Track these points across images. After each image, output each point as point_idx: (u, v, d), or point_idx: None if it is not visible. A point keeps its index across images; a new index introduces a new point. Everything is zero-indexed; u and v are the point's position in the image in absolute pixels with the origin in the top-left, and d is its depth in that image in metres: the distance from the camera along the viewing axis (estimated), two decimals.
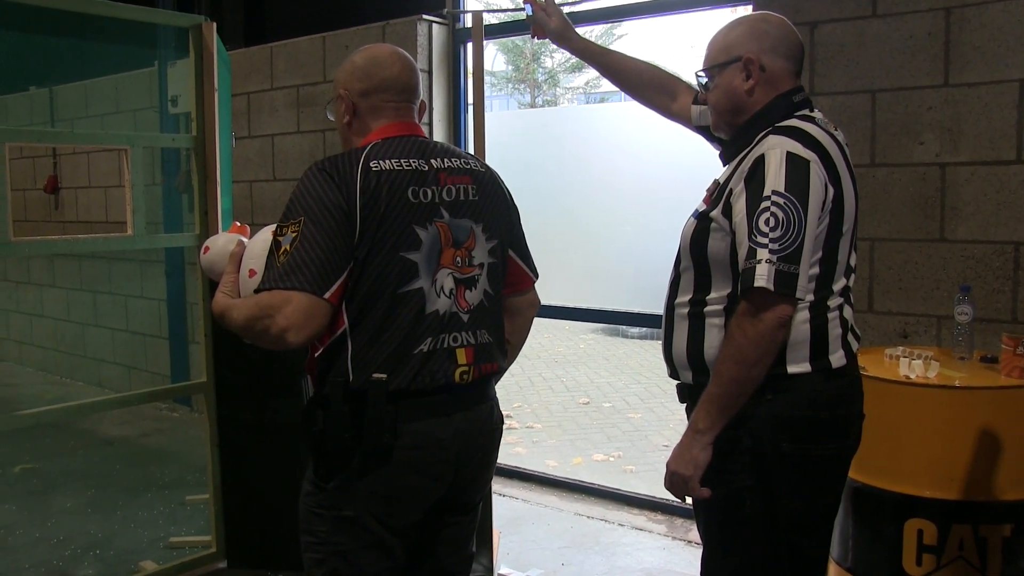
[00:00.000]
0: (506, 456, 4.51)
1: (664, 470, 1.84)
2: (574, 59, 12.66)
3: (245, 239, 2.00)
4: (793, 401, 1.79)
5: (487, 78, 4.73)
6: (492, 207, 1.95)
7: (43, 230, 6.70)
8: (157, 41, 5.65)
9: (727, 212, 1.79)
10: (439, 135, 4.45)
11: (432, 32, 4.44)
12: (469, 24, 4.54)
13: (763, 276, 1.66)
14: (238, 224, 2.15)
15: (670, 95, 2.30)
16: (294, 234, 1.70)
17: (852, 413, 1.89)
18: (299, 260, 1.69)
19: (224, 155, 3.45)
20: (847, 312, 1.87)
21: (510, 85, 15.66)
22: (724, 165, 1.99)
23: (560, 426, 6.10)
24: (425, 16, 4.41)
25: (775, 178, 1.71)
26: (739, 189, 1.78)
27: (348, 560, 1.82)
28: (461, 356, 1.84)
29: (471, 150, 4.42)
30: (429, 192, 1.82)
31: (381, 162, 1.79)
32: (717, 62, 1.92)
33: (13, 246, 2.91)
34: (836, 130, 1.90)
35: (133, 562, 3.54)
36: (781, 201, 1.69)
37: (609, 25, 15.17)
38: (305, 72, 4.80)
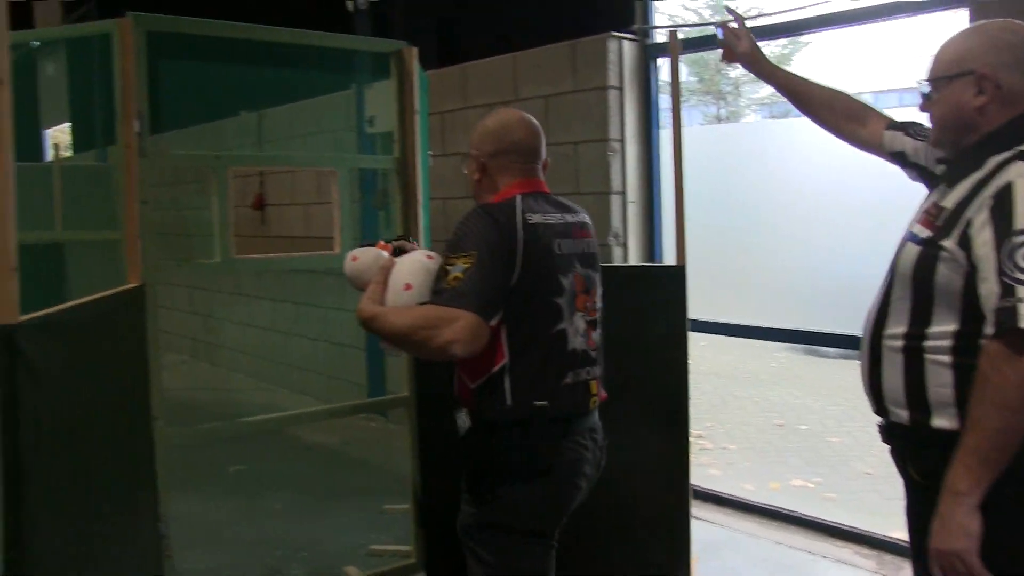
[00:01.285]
0: (701, 478, 4.42)
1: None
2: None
3: (386, 254, 2.26)
4: None
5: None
6: (598, 259, 2.29)
7: (252, 244, 7.15)
8: (354, 65, 5.93)
9: (964, 244, 1.67)
10: (631, 154, 4.43)
11: (622, 49, 4.43)
12: (660, 40, 4.51)
13: None
14: (383, 242, 2.39)
15: (860, 122, 2.24)
16: (467, 264, 1.97)
17: None
18: (471, 287, 1.95)
19: (423, 174, 3.56)
20: None
21: (694, 97, 15.41)
22: (935, 187, 1.92)
23: (755, 448, 5.93)
24: (615, 33, 4.41)
25: None
26: (982, 220, 1.65)
27: (515, 562, 2.12)
28: (593, 387, 2.19)
29: (666, 169, 4.40)
30: (566, 244, 2.14)
31: (533, 215, 2.09)
32: (945, 73, 1.81)
33: (235, 262, 3.12)
34: None
35: (338, 567, 3.69)
36: None
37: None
38: (497, 91, 4.89)
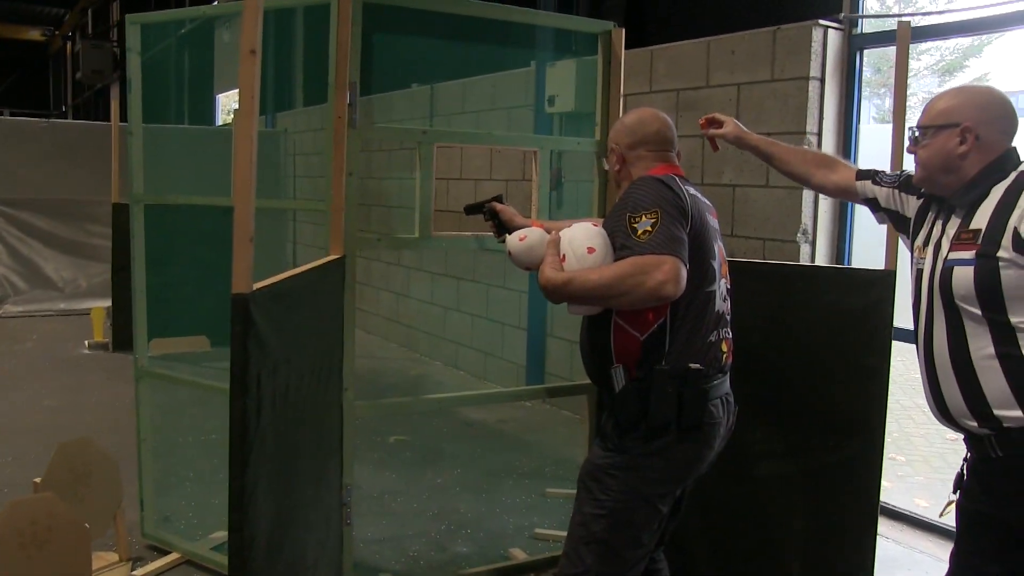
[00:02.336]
0: None
1: None
2: (944, 61, 11.68)
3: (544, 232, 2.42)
4: None
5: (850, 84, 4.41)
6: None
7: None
8: (536, 42, 5.87)
9: (1020, 246, 1.92)
10: (828, 146, 4.22)
11: (827, 38, 4.21)
12: (867, 29, 4.26)
13: None
14: (535, 221, 2.68)
15: (831, 169, 2.55)
16: (653, 219, 2.13)
17: None
18: (664, 236, 2.11)
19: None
20: None
21: (867, 89, 14.71)
22: (923, 222, 2.20)
23: (927, 462, 5.62)
24: (821, 21, 4.19)
25: None
26: None
27: (628, 514, 2.25)
28: (724, 345, 2.35)
29: (877, 164, 4.17)
30: (711, 219, 2.35)
31: (688, 187, 2.31)
32: (934, 123, 2.09)
33: (432, 239, 3.12)
34: None
35: (503, 547, 3.68)
36: None
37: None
38: (687, 76, 4.74)
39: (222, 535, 3.73)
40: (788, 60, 4.24)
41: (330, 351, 2.77)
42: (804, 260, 4.22)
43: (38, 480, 3.25)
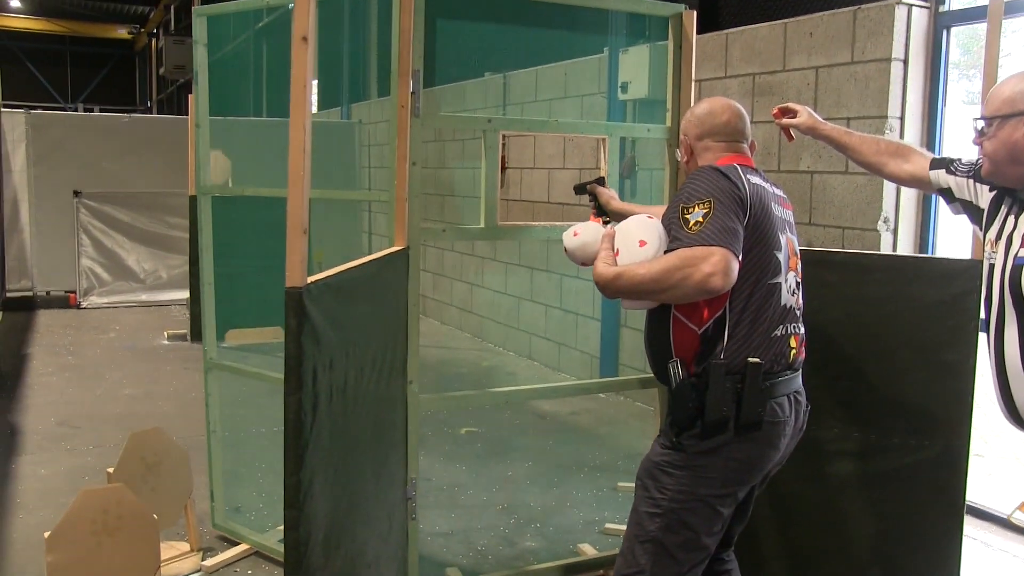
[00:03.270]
0: None
1: None
2: None
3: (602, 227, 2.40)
4: None
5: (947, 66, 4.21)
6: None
7: None
8: (608, 28, 5.76)
9: None
10: (910, 133, 4.03)
11: (911, 16, 4.01)
12: (955, 6, 4.05)
13: None
14: (594, 215, 2.72)
15: (904, 158, 2.47)
16: (705, 210, 2.07)
17: None
18: (715, 227, 2.04)
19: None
20: None
21: (957, 71, 14.15)
22: (997, 216, 2.09)
23: (1013, 460, 5.36)
24: None
25: None
26: None
27: (683, 515, 2.16)
28: (793, 341, 2.25)
29: (950, 151, 3.98)
30: (777, 209, 2.26)
31: (751, 177, 2.22)
32: (998, 113, 1.99)
33: (498, 229, 3.05)
34: None
35: (572, 542, 3.62)
36: None
37: None
38: (763, 60, 4.59)
39: None
40: (869, 41, 4.06)
41: (393, 343, 2.73)
42: (886, 249, 4.05)
43: (111, 470, 3.30)
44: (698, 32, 5.02)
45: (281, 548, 3.49)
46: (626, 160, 5.35)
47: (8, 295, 8.95)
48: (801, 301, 2.35)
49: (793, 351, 2.25)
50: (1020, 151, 1.96)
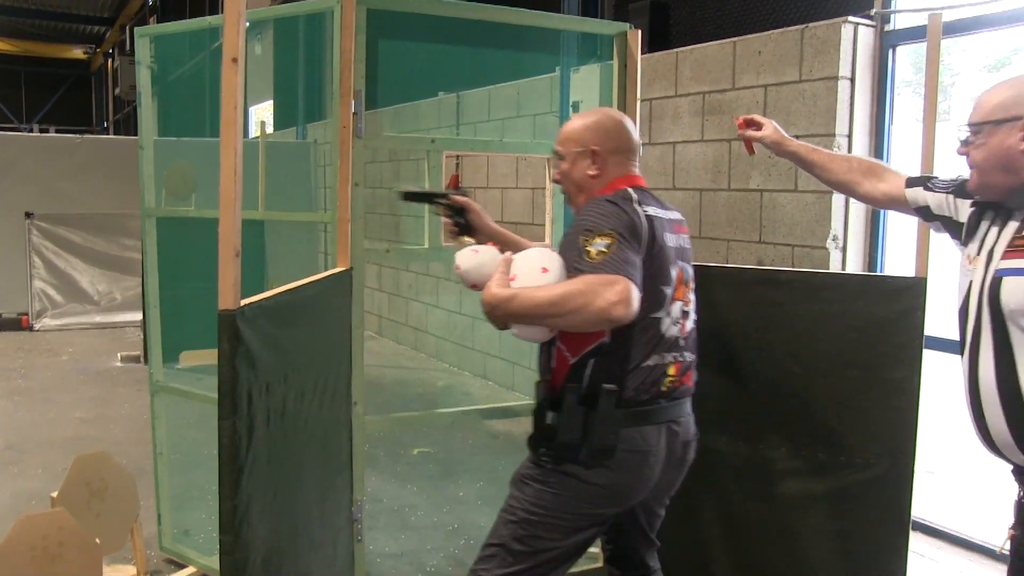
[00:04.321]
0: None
1: None
2: (992, 59, 11.41)
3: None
4: None
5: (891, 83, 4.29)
6: (691, 255, 2.34)
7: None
8: (560, 48, 5.80)
9: None
10: (858, 150, 4.09)
11: (857, 35, 4.08)
12: (899, 26, 4.13)
13: None
14: (455, 233, 2.58)
15: (879, 178, 2.36)
16: (608, 240, 2.00)
17: None
18: (620, 258, 1.98)
19: None
20: None
21: (909, 88, 14.42)
22: (978, 229, 2.00)
23: (962, 477, 5.43)
24: (851, 18, 4.07)
25: None
26: None
27: (535, 527, 2.15)
28: (672, 370, 2.18)
29: (903, 166, 4.04)
30: (670, 238, 2.20)
31: (647, 207, 2.15)
32: (990, 119, 1.89)
33: (442, 250, 3.05)
34: None
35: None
36: None
37: None
38: (713, 78, 4.64)
39: None
40: (817, 60, 4.13)
41: (337, 365, 2.71)
42: (835, 267, 4.09)
43: (54, 494, 3.24)
44: (649, 51, 5.09)
45: None
46: None
47: None
48: (690, 327, 2.29)
49: (669, 379, 2.19)
50: (1013, 158, 1.87)
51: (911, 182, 2.29)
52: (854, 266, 4.15)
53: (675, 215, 2.31)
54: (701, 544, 3.11)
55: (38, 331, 9.08)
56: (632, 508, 2.29)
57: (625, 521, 2.35)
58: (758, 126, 2.55)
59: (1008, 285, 1.83)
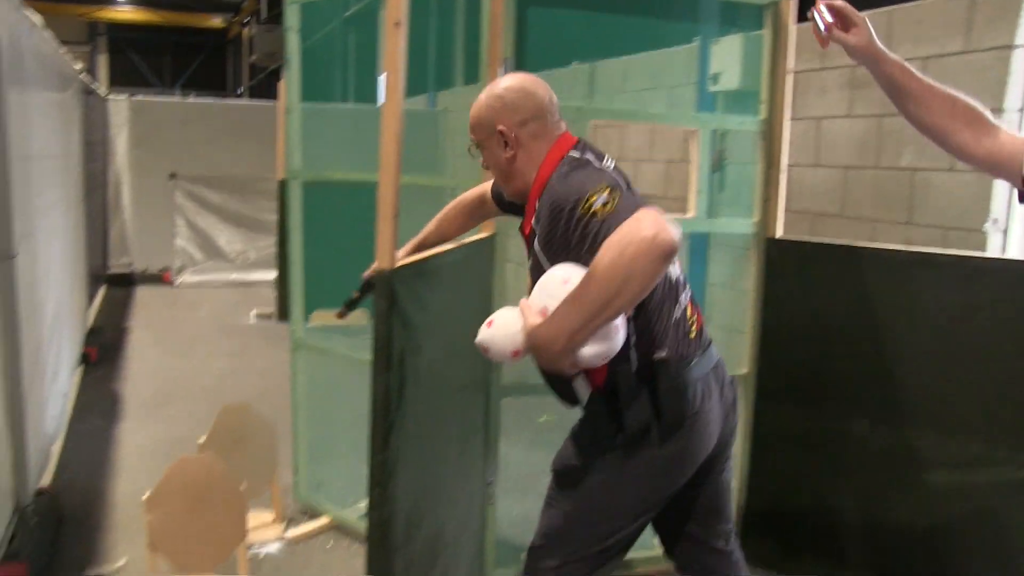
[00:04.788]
0: None
1: None
2: None
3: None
4: None
5: None
6: None
7: None
8: (699, 18, 5.66)
9: None
10: None
11: None
12: None
13: None
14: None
15: (985, 132, 1.86)
16: (605, 192, 1.80)
17: None
18: (627, 202, 1.79)
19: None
20: None
21: None
22: None
23: None
24: None
25: None
26: None
27: (603, 515, 1.99)
28: (689, 312, 2.01)
29: None
30: (627, 184, 1.95)
31: (605, 161, 1.96)
32: None
33: None
34: None
35: (648, 533, 3.58)
36: None
37: None
38: None
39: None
40: (989, 27, 3.89)
41: (476, 329, 2.74)
42: (994, 252, 3.89)
43: (201, 440, 3.40)
44: (796, 21, 4.91)
45: (361, 524, 3.55)
46: (715, 153, 5.26)
47: (111, 272, 9.33)
48: (679, 261, 2.05)
49: (692, 324, 2.02)
50: None
51: None
52: (1017, 251, 3.93)
53: (610, 159, 2.07)
54: (835, 529, 3.04)
55: (178, 287, 9.52)
56: (695, 482, 2.07)
57: (692, 499, 2.14)
58: (847, 22, 1.92)
59: None
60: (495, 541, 3.13)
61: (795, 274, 3.10)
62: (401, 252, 2.39)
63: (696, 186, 3.08)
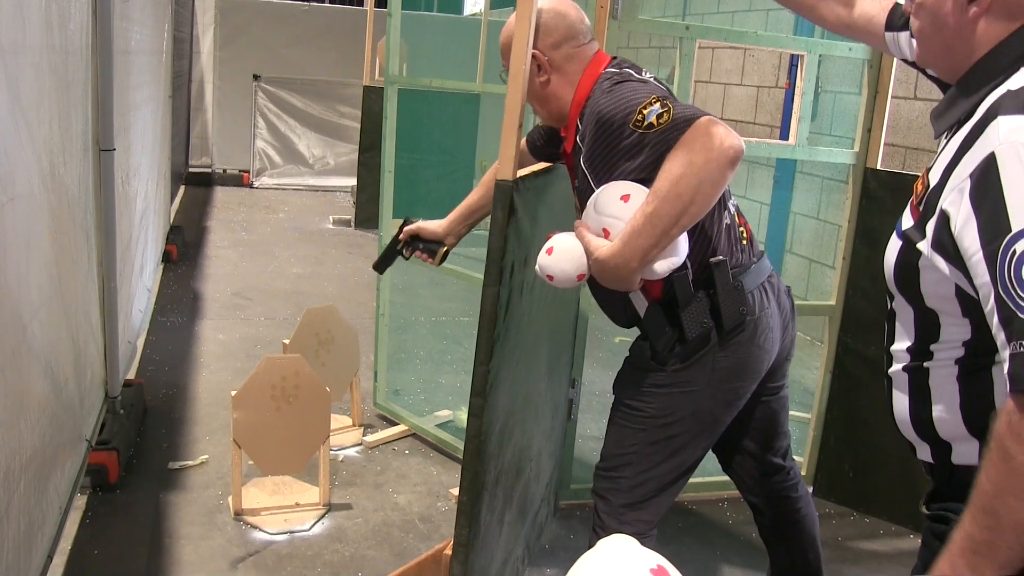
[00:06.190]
0: None
1: None
2: None
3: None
4: None
5: None
6: None
7: None
8: None
9: (943, 247, 1.19)
10: None
11: None
12: None
13: None
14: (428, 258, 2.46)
15: (845, 2, 1.72)
16: (657, 104, 1.72)
17: None
18: (682, 107, 1.72)
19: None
20: None
21: None
22: (936, 137, 1.36)
23: None
24: None
25: None
26: (962, 212, 1.14)
27: (668, 429, 1.95)
28: (738, 219, 1.97)
29: None
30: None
31: (647, 75, 1.91)
32: None
33: None
34: None
35: None
36: None
37: None
38: None
39: (446, 414, 3.87)
40: None
41: None
42: None
43: (287, 341, 3.49)
44: None
45: (436, 433, 3.64)
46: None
47: (191, 170, 9.48)
48: None
49: (743, 231, 1.99)
50: (953, 33, 1.28)
51: (892, 22, 1.65)
52: None
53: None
54: (915, 473, 3.02)
55: (257, 188, 9.65)
56: (757, 395, 2.06)
57: (756, 414, 2.13)
58: None
59: (889, 244, 1.39)
60: (572, 457, 3.18)
61: (892, 207, 3.02)
62: (445, 221, 2.46)
63: (799, 112, 3.00)
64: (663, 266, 1.75)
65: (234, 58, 9.63)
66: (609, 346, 4.93)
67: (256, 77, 9.48)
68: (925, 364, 1.33)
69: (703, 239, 1.87)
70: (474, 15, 11.69)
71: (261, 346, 4.55)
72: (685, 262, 1.82)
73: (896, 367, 1.39)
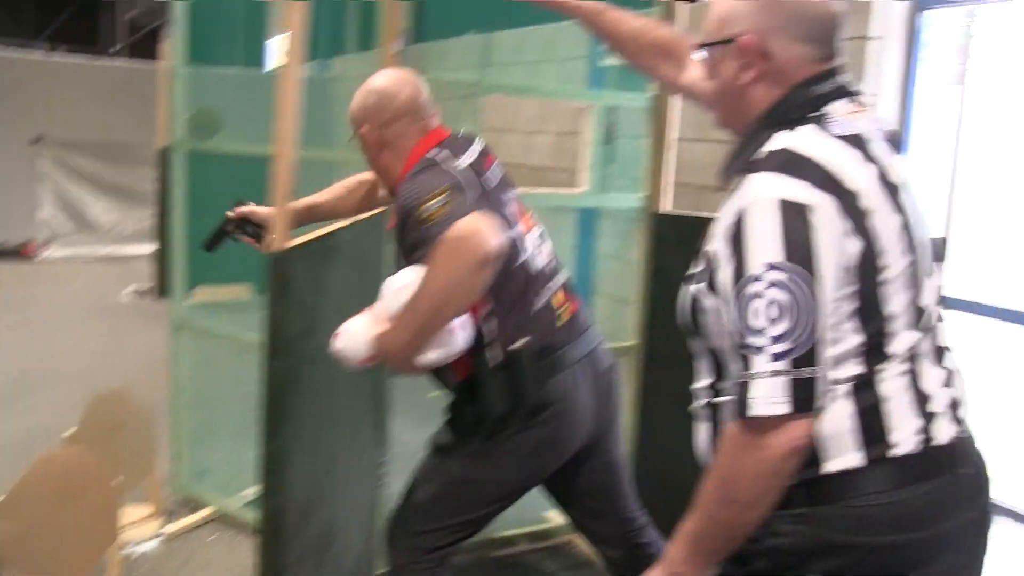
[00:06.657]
0: None
1: None
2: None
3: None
4: (838, 517, 1.29)
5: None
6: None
7: None
8: None
9: (713, 288, 1.33)
10: (884, 111, 3.99)
11: None
12: None
13: (760, 399, 1.22)
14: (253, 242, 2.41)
15: (676, 63, 1.82)
16: (443, 195, 1.81)
17: (940, 532, 1.30)
18: (457, 208, 1.77)
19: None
20: (929, 379, 1.32)
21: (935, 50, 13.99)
22: (724, 187, 1.50)
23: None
24: None
25: (767, 244, 1.21)
26: (722, 259, 1.29)
27: (474, 495, 2.07)
28: (555, 302, 2.03)
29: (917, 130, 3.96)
30: (493, 176, 2.06)
31: (459, 159, 1.98)
32: (711, 39, 1.40)
33: None
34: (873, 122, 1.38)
35: (538, 509, 3.55)
36: (782, 277, 1.20)
37: None
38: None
39: (255, 491, 3.67)
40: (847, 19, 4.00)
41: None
42: None
43: (68, 433, 3.20)
44: None
45: (245, 514, 3.43)
46: (606, 127, 5.27)
47: None
48: (548, 249, 2.14)
49: (561, 311, 2.05)
50: (735, 96, 1.40)
51: None
52: None
53: (480, 146, 2.13)
54: None
55: (41, 262, 8.99)
56: (582, 463, 2.16)
57: (582, 480, 2.22)
58: None
59: (683, 293, 1.50)
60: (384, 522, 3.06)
61: (680, 247, 3.11)
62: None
63: (587, 161, 3.06)
64: (431, 356, 1.82)
65: (8, 119, 8.95)
66: (423, 403, 4.84)
67: (38, 139, 8.86)
68: (716, 400, 1.42)
69: (506, 326, 1.94)
70: (273, 71, 11.50)
71: (48, 438, 4.16)
72: (485, 348, 1.91)
73: (699, 403, 1.49)
